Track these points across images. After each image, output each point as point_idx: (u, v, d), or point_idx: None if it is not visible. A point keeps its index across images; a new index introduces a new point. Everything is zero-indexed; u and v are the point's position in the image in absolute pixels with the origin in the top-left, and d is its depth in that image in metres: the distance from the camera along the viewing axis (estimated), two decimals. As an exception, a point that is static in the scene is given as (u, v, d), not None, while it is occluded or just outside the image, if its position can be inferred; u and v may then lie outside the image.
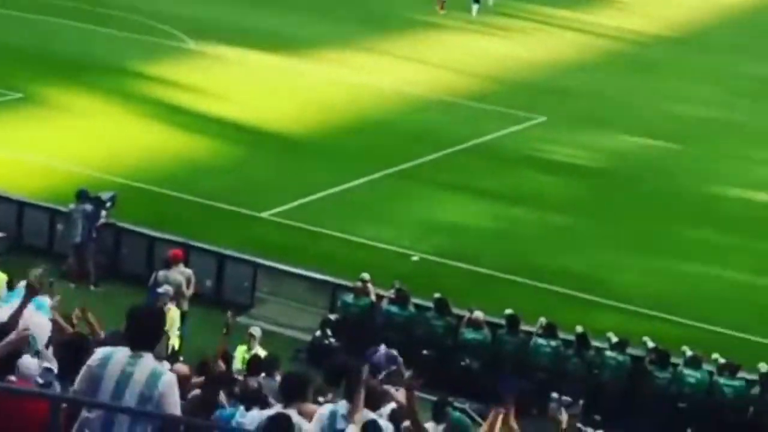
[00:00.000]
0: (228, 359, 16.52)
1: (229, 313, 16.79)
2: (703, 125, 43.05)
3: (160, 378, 8.93)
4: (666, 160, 38.20)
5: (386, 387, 16.44)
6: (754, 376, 20.57)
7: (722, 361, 20.79)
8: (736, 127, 43.30)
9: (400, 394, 15.35)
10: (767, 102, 48.01)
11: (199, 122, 36.45)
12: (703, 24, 65.84)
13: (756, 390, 20.22)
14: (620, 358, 20.76)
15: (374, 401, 11.29)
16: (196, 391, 12.52)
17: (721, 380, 20.34)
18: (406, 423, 12.08)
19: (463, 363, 21.25)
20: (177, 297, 21.00)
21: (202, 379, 13.09)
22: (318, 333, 22.56)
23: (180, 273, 21.89)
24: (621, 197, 34.04)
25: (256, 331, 19.42)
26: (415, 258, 27.42)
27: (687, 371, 20.52)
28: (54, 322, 12.81)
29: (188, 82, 40.60)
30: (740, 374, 20.59)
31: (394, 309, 22.13)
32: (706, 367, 20.83)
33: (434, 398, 14.86)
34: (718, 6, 70.87)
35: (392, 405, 12.69)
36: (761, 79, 51.99)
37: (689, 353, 20.81)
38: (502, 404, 12.06)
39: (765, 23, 67.82)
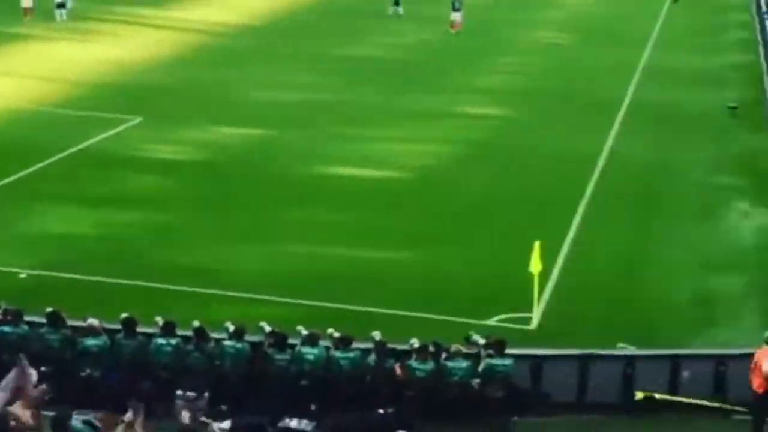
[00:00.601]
0: None
1: None
2: (299, 108, 44.10)
3: None
4: (267, 146, 38.92)
5: (9, 409, 16.14)
6: (369, 345, 21.30)
7: (337, 335, 21.42)
8: (330, 107, 44.59)
9: (27, 413, 15.12)
10: (355, 81, 49.72)
11: None
12: (286, 11, 67.40)
13: (372, 358, 20.97)
14: (239, 346, 21.04)
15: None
16: None
17: (338, 354, 20.99)
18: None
19: (83, 373, 20.98)
20: None
21: None
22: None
23: None
24: (226, 188, 34.38)
25: None
26: (23, 275, 26.81)
27: (304, 350, 21.03)
28: None
29: None
30: (354, 345, 21.26)
31: (6, 329, 21.53)
32: (323, 343, 21.40)
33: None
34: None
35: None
36: (347, 60, 53.84)
37: (305, 332, 21.34)
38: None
39: (348, 7, 70.23)
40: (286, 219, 31.67)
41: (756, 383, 20.01)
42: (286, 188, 34.45)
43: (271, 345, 21.10)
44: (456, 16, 63.22)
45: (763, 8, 70.48)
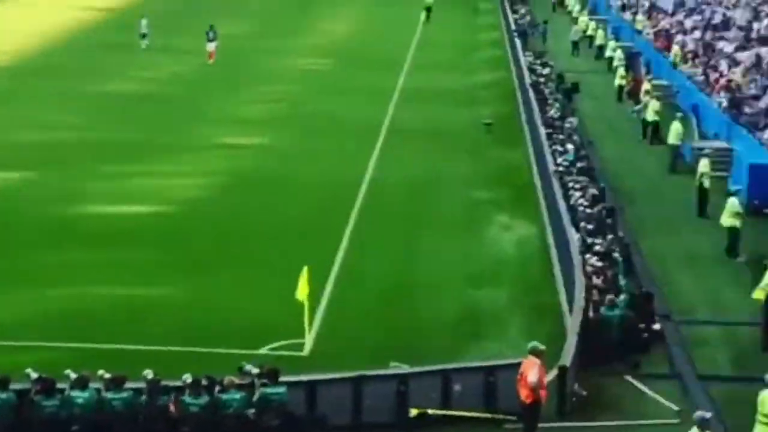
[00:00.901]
0: None
1: None
2: (56, 148, 43.16)
3: None
4: (23, 189, 37.90)
5: None
6: (141, 384, 20.95)
7: (108, 375, 21.00)
8: (88, 146, 43.77)
9: None
10: (113, 117, 49.05)
11: None
12: (35, 50, 66.18)
13: (144, 397, 20.64)
14: (3, 396, 20.37)
15: None
16: None
17: (109, 395, 20.58)
18: None
19: None
20: None
21: None
22: None
23: None
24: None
25: None
26: None
27: (74, 393, 20.55)
28: None
29: None
30: (127, 385, 20.88)
31: None
32: (94, 385, 20.94)
33: None
34: (41, 32, 71.90)
35: None
36: (102, 96, 53.12)
37: (73, 375, 20.86)
38: None
39: (99, 43, 69.42)
40: (46, 262, 30.81)
41: (523, 394, 20.44)
42: (45, 231, 33.54)
43: (38, 392, 20.52)
44: (210, 47, 63.18)
45: (513, 26, 72.71)
